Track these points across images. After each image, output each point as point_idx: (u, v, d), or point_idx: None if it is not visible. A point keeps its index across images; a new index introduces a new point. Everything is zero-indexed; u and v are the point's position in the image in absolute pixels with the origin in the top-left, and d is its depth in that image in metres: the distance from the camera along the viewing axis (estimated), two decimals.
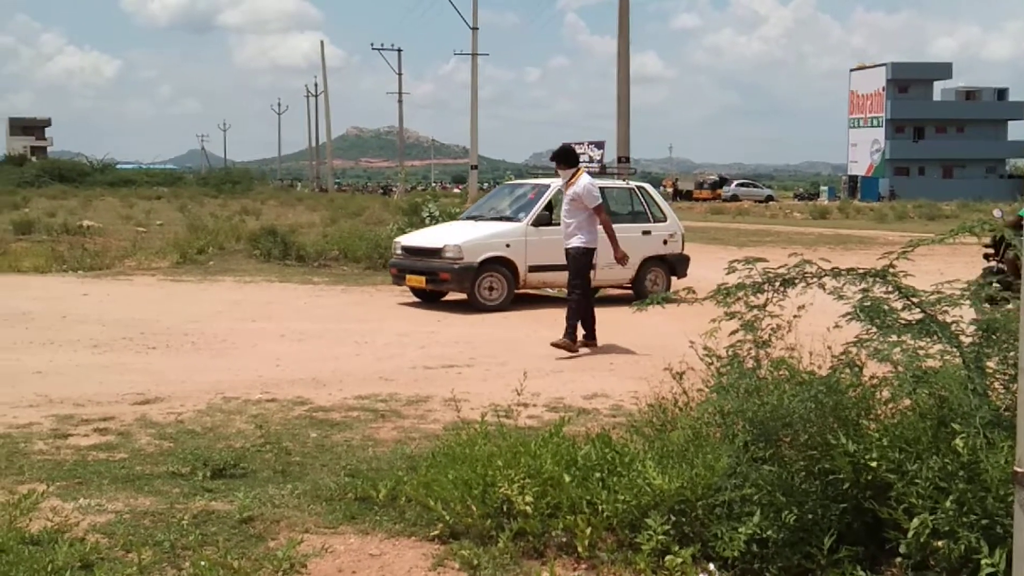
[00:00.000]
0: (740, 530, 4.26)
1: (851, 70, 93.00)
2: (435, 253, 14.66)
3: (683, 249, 16.35)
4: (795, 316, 4.95)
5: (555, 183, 16.00)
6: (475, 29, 58.45)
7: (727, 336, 4.94)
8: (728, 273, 5.03)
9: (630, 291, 15.64)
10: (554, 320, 13.57)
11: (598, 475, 4.83)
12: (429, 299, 15.16)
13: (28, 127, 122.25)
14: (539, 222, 14.96)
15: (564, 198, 11.29)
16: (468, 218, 16.65)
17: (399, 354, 10.62)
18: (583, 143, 17.54)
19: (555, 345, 10.71)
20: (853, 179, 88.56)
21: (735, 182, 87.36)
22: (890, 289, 4.67)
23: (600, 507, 4.61)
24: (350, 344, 11.23)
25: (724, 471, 4.48)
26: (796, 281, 4.79)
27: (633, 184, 16.90)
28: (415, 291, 15.36)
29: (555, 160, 11.43)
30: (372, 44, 79.13)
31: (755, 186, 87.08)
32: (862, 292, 4.72)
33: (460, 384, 8.60)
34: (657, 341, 10.65)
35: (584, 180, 11.15)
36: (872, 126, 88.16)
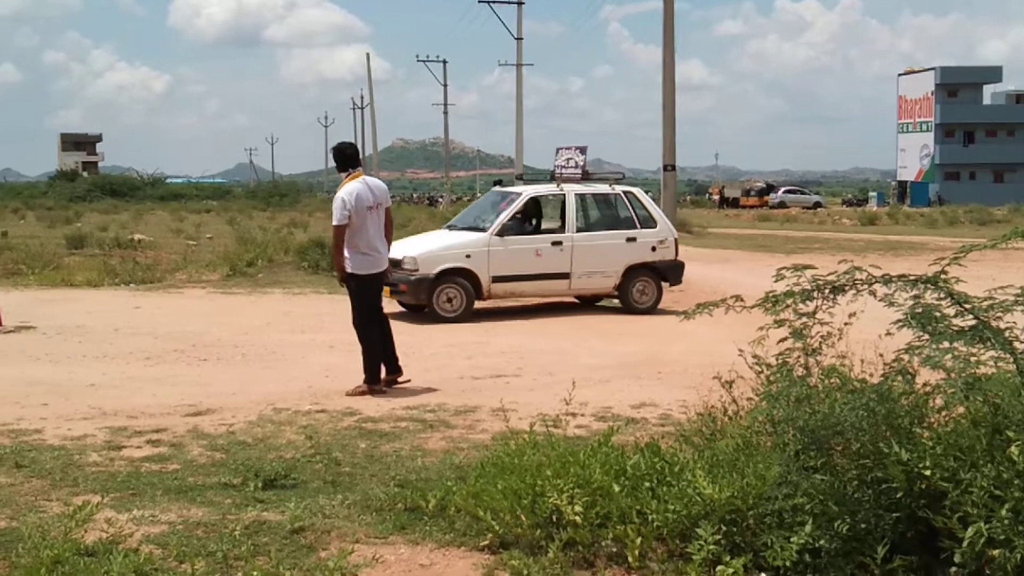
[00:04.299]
0: (792, 540, 4.22)
1: (899, 75, 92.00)
2: (397, 264, 14.00)
3: (677, 255, 15.82)
4: (845, 323, 4.90)
5: (528, 191, 15.55)
6: (519, 40, 58.70)
7: (776, 344, 4.90)
8: (776, 280, 4.99)
9: (617, 299, 15.34)
10: (603, 330, 13.58)
11: (648, 485, 4.81)
12: (415, 311, 14.76)
13: (80, 143, 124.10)
14: (504, 232, 14.74)
15: None
16: (448, 227, 16.50)
17: (447, 364, 10.64)
18: (571, 148, 16.77)
19: (351, 394, 8.98)
20: (902, 184, 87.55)
21: (782, 189, 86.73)
22: (942, 295, 4.61)
23: (650, 517, 4.59)
24: (398, 355, 11.26)
25: (775, 480, 4.44)
26: (846, 288, 4.75)
27: (620, 189, 16.04)
28: (401, 303, 14.87)
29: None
30: (417, 56, 79.35)
31: (803, 192, 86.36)
32: (913, 299, 4.66)
33: (508, 394, 8.60)
34: (705, 349, 10.60)
35: (343, 189, 9.15)
36: (921, 131, 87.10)
